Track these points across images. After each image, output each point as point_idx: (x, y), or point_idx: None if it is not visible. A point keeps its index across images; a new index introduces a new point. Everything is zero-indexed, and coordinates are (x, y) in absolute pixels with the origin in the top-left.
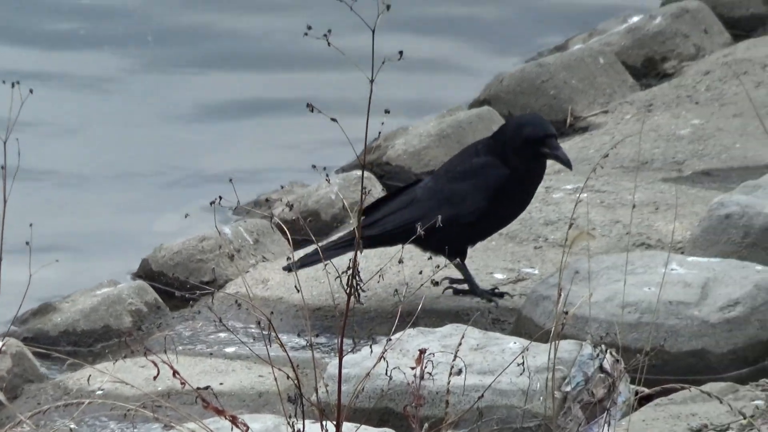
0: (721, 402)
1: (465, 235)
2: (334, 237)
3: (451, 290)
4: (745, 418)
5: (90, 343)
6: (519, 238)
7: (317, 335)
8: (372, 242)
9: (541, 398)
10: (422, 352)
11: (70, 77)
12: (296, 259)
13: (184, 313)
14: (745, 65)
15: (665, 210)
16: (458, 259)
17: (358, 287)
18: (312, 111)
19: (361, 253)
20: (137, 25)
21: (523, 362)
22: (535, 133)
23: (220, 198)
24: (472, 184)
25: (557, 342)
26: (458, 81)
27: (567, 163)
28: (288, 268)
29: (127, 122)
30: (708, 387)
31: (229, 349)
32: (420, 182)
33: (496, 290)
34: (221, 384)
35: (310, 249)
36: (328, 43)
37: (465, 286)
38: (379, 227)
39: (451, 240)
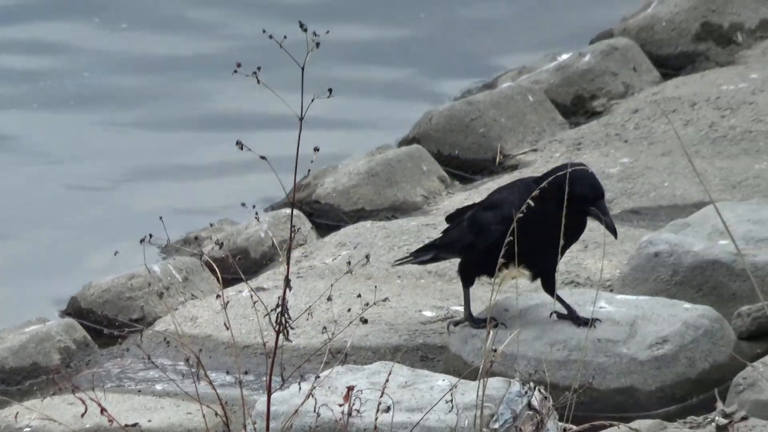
0: None
1: (478, 264)
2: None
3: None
4: None
5: (18, 380)
6: (448, 276)
7: (246, 372)
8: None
9: None
10: (350, 389)
11: None
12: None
13: (113, 351)
14: (673, 103)
15: (594, 248)
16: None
17: (287, 325)
18: (242, 148)
19: (290, 290)
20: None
21: (452, 399)
22: (585, 191)
23: (150, 236)
24: (492, 215)
25: (486, 379)
26: (388, 118)
27: (612, 231)
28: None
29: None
30: (636, 424)
31: (158, 386)
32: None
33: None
34: (149, 421)
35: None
36: (258, 81)
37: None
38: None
39: (466, 266)
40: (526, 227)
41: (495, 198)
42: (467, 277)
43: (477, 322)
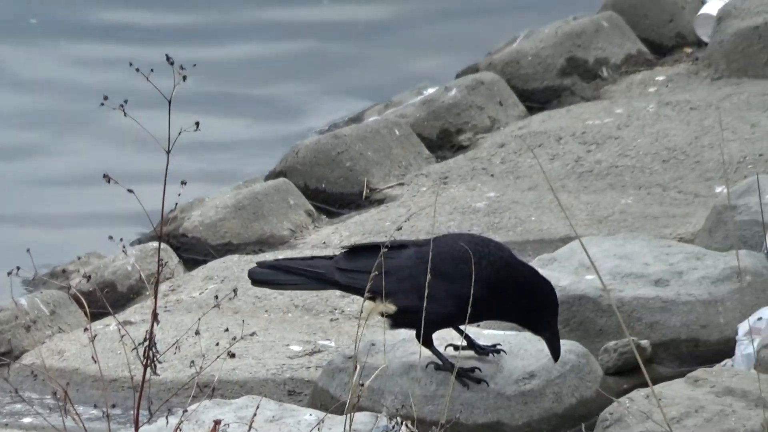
0: None
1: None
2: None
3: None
4: None
5: None
6: (315, 310)
7: (113, 406)
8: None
9: None
10: (217, 423)
11: None
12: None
13: None
14: (539, 138)
15: None
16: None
17: (155, 359)
18: (109, 182)
19: (158, 323)
20: None
21: None
22: (556, 311)
23: (18, 268)
24: (443, 288)
25: (353, 414)
26: (254, 153)
27: (556, 356)
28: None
29: None
30: None
31: (25, 420)
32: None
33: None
34: None
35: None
36: (125, 114)
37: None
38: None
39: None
40: (483, 308)
41: (444, 263)
42: (428, 337)
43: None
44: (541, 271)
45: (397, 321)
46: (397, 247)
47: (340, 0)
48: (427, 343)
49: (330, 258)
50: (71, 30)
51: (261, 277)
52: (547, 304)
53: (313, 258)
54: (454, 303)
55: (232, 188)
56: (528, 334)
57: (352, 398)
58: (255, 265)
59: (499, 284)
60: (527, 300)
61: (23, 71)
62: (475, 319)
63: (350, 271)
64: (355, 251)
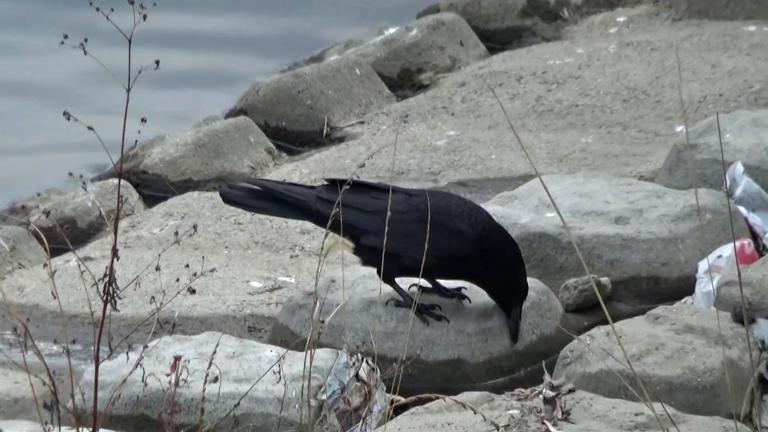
0: (475, 413)
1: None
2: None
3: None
4: (497, 428)
5: None
6: (275, 246)
7: (74, 342)
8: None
9: (297, 406)
10: (177, 359)
11: None
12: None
13: None
14: (500, 77)
15: None
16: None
17: (115, 294)
18: (69, 119)
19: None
20: None
21: (280, 370)
22: (524, 295)
23: None
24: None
25: (313, 350)
26: (216, 91)
27: (514, 338)
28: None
29: None
30: (464, 396)
31: None
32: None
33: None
34: None
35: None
36: (85, 52)
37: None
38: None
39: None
40: (451, 265)
41: (439, 215)
42: (391, 278)
43: (419, 309)
44: (500, 208)
45: (368, 260)
46: (384, 189)
47: None
48: (389, 280)
49: (311, 188)
50: None
51: (234, 198)
52: (521, 287)
53: (291, 184)
54: (437, 254)
55: (192, 126)
56: None
57: (312, 335)
58: (227, 186)
59: (488, 251)
60: (507, 276)
61: None
62: (447, 276)
63: (333, 203)
64: (338, 185)
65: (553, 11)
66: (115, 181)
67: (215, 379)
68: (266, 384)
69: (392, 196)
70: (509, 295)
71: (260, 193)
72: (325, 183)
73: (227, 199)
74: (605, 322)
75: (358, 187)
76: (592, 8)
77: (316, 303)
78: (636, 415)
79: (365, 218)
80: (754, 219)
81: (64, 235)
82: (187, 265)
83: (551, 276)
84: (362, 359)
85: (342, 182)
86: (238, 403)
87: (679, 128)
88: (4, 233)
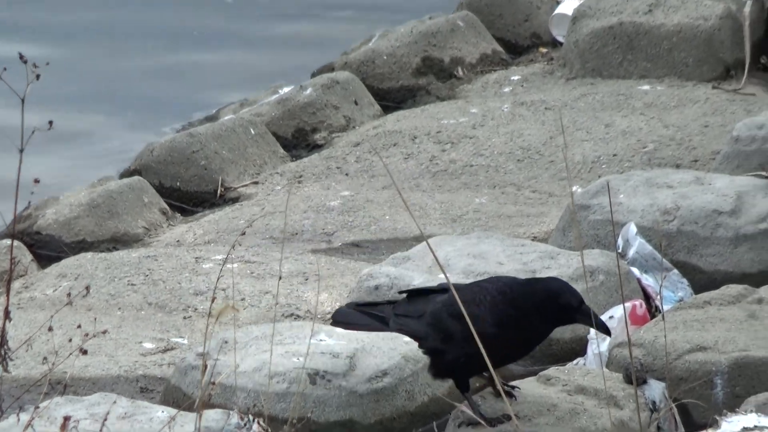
0: None
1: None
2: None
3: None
4: None
5: None
6: (169, 307)
7: None
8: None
9: None
10: (66, 419)
11: None
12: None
13: None
14: (394, 137)
15: (314, 281)
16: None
17: (7, 356)
18: None
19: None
20: None
21: (170, 431)
22: (571, 301)
23: None
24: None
25: (203, 411)
26: (109, 152)
27: (606, 331)
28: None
29: None
30: None
31: None
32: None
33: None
34: None
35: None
36: None
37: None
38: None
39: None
40: (502, 345)
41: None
42: (463, 384)
43: (490, 422)
44: (393, 269)
45: (434, 367)
46: (441, 291)
47: None
48: (463, 390)
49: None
50: None
51: (341, 318)
52: (555, 301)
53: (388, 303)
54: (468, 343)
55: (86, 186)
56: (381, 333)
57: (202, 395)
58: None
59: (504, 316)
60: (540, 314)
61: None
62: (503, 361)
63: (401, 316)
64: (414, 295)
65: (447, 70)
66: (8, 242)
67: None
68: None
69: (433, 297)
70: (566, 321)
71: (362, 313)
72: (404, 295)
73: (336, 321)
74: None
75: (424, 293)
76: (487, 67)
77: (205, 365)
78: None
79: (416, 325)
80: (647, 280)
81: None
82: (80, 326)
83: None
84: (254, 420)
85: (416, 292)
86: None
87: (573, 189)
88: None
